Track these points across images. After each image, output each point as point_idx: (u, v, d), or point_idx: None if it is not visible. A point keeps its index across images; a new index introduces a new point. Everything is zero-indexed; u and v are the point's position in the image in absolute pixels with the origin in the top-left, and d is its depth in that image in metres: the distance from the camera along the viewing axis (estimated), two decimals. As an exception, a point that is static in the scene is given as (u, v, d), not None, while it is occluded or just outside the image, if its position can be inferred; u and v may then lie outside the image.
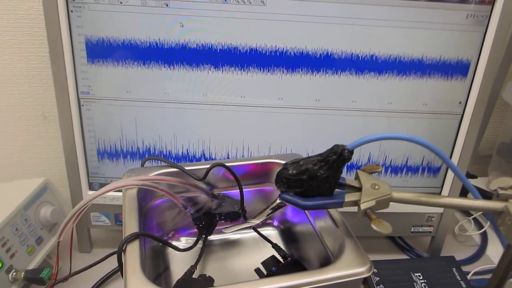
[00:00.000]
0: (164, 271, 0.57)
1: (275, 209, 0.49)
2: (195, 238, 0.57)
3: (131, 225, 0.46)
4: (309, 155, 0.45)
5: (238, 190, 0.55)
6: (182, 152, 0.68)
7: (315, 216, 0.54)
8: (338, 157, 0.43)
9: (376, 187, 0.45)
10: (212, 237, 0.63)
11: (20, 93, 0.86)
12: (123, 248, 0.43)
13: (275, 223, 0.66)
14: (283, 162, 0.47)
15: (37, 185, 0.66)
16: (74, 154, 0.67)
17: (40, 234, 0.65)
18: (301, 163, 0.44)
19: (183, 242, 0.62)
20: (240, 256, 0.61)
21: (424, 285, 0.67)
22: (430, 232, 0.76)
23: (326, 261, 0.50)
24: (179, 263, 0.58)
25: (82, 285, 0.67)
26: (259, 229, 0.61)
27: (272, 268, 0.53)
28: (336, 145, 0.43)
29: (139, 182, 0.50)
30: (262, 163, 0.59)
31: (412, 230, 0.75)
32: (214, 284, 0.52)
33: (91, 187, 0.70)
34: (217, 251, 0.62)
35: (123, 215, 0.48)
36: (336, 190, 0.46)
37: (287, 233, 0.64)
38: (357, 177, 0.47)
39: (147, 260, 0.47)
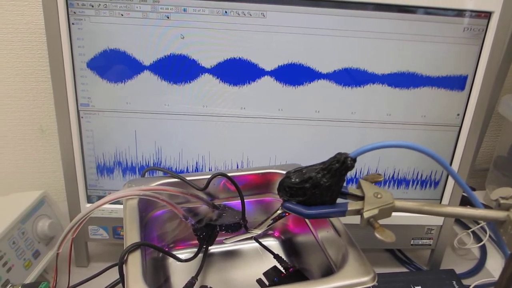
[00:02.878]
0: (164, 283, 0.56)
1: (276, 219, 0.49)
2: (196, 249, 0.57)
3: (132, 235, 0.46)
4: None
5: (239, 201, 0.55)
6: (182, 165, 0.68)
7: (317, 226, 0.54)
8: (341, 165, 0.43)
9: (379, 196, 0.45)
10: (213, 248, 0.62)
11: (17, 107, 0.86)
12: (125, 258, 0.43)
13: (276, 234, 0.66)
14: (284, 172, 0.47)
15: (35, 198, 0.65)
16: (72, 166, 0.66)
17: (37, 248, 0.65)
18: (304, 171, 0.44)
19: (183, 253, 0.61)
20: (241, 266, 0.60)
21: (424, 299, 0.67)
22: (430, 245, 0.75)
23: (328, 272, 0.49)
24: (179, 274, 0.57)
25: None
26: (260, 240, 0.61)
27: (274, 279, 0.53)
28: (339, 153, 0.44)
29: (140, 192, 0.50)
30: (263, 173, 0.59)
31: (412, 243, 0.75)
32: (215, 296, 0.52)
33: (89, 200, 0.70)
34: (218, 262, 0.61)
35: (124, 225, 0.48)
36: (339, 199, 0.46)
37: (289, 244, 0.63)
38: (359, 186, 0.47)
39: (147, 271, 0.46)
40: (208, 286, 0.53)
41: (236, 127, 0.66)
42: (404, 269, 0.79)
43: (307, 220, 0.57)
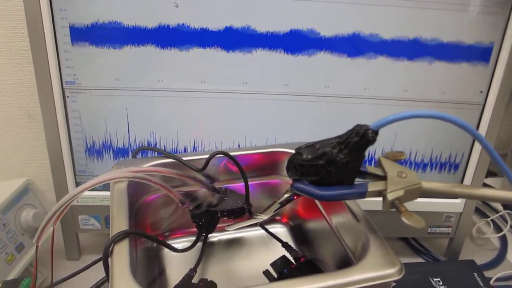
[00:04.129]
0: (159, 276, 0.50)
1: (284, 203, 0.43)
2: (194, 238, 0.51)
3: (119, 223, 0.40)
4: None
5: (242, 183, 0.49)
6: (179, 147, 0.62)
7: (331, 210, 0.48)
8: (361, 138, 0.37)
9: (403, 175, 0.39)
10: (213, 236, 0.57)
11: (2, 91, 0.79)
12: (110, 249, 0.37)
13: (284, 220, 0.60)
14: (292, 150, 0.41)
15: (17, 187, 0.60)
16: (59, 150, 0.61)
17: (21, 241, 0.59)
18: (317, 146, 0.38)
19: (180, 242, 0.55)
20: (245, 257, 0.55)
21: (444, 291, 0.61)
22: (448, 233, 0.70)
23: (345, 262, 0.43)
24: (176, 266, 0.52)
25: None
26: (266, 226, 0.55)
27: (283, 270, 0.47)
28: (358, 125, 0.37)
29: (130, 174, 0.44)
30: (268, 153, 0.53)
31: (429, 231, 0.69)
32: (217, 290, 0.46)
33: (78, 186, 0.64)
34: (220, 251, 0.55)
35: (110, 212, 0.42)
36: (356, 180, 0.40)
37: (298, 231, 0.58)
38: (379, 165, 0.41)
39: (139, 263, 0.41)
40: (209, 279, 0.47)
41: (238, 105, 0.60)
42: (420, 260, 0.73)
43: (319, 204, 0.51)
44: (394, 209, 0.38)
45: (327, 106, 0.61)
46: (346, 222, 0.44)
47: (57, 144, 0.60)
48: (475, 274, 0.65)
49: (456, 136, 0.64)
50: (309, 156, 0.38)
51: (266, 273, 0.48)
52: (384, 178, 0.39)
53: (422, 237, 0.77)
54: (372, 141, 0.37)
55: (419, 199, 0.40)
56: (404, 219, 0.36)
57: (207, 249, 0.54)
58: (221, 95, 0.59)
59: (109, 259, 0.37)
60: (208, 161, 0.49)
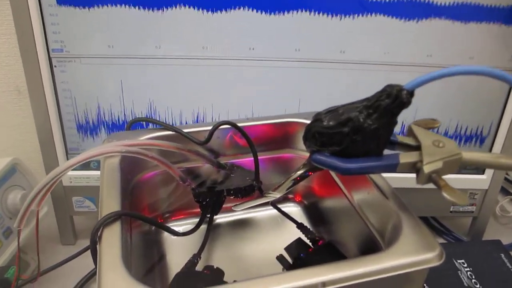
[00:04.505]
0: (158, 263, 0.45)
1: (298, 180, 0.38)
2: (198, 220, 0.46)
3: (110, 204, 0.35)
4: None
5: (250, 158, 0.43)
6: (179, 120, 0.57)
7: (352, 187, 0.42)
8: (393, 100, 0.31)
9: (440, 144, 0.33)
10: (219, 217, 0.51)
11: (-12, 65, 0.74)
12: (99, 234, 0.32)
13: (298, 198, 0.55)
14: (307, 121, 0.35)
15: (3, 166, 0.54)
16: (48, 126, 0.55)
17: (8, 225, 0.54)
18: (340, 111, 0.33)
19: (182, 224, 0.50)
20: (255, 240, 0.49)
21: (470, 274, 0.56)
22: (472, 212, 0.64)
23: (370, 246, 0.38)
24: (178, 252, 0.46)
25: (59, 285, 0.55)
26: (278, 206, 0.50)
27: (299, 255, 0.42)
28: (388, 85, 0.32)
29: (123, 148, 0.38)
30: (280, 123, 0.47)
31: (451, 210, 0.64)
32: (224, 278, 0.41)
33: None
34: (226, 235, 0.50)
35: (100, 191, 0.37)
36: (385, 150, 0.35)
37: (314, 210, 0.52)
38: (410, 133, 0.36)
39: (135, 250, 0.35)
40: (215, 266, 0.42)
41: (244, 73, 0.54)
42: (441, 240, 0.68)
43: (337, 179, 0.45)
44: (431, 184, 0.32)
45: (342, 73, 0.55)
46: (371, 199, 0.39)
47: (45, 119, 0.55)
48: (502, 255, 0.60)
49: (484, 106, 0.58)
50: (331, 123, 0.32)
51: (280, 258, 0.42)
52: (417, 148, 0.34)
53: (443, 216, 0.71)
54: (406, 103, 0.31)
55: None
56: (445, 195, 0.30)
57: (212, 232, 0.48)
58: (225, 63, 0.53)
59: (98, 245, 0.31)
60: (212, 132, 0.43)
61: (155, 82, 0.54)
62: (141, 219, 0.40)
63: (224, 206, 0.47)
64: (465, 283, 0.55)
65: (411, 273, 0.30)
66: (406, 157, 0.33)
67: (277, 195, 0.39)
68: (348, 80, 0.55)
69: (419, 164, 0.32)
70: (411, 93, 0.31)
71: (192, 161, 0.45)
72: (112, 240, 0.31)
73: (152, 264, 0.44)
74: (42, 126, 0.55)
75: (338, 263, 0.30)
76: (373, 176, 0.39)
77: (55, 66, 0.53)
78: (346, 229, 0.44)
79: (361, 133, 0.32)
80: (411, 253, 0.31)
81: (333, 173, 0.46)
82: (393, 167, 0.33)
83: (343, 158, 0.33)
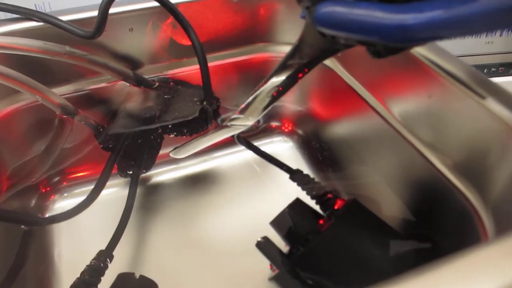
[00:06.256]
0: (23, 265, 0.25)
1: (280, 91, 0.19)
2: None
3: None
4: None
5: (196, 67, 0.24)
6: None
7: (389, 90, 0.23)
8: None
9: None
10: (152, 176, 0.31)
11: None
12: None
13: (287, 127, 0.34)
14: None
15: None
16: None
17: None
18: None
19: (84, 193, 0.29)
20: (217, 211, 0.28)
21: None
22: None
23: (442, 208, 0.20)
24: (72, 245, 0.27)
25: None
26: (253, 142, 0.29)
27: (302, 236, 0.20)
28: None
29: None
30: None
31: None
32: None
33: None
34: (167, 207, 0.29)
35: None
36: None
37: (317, 146, 0.31)
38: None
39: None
40: (137, 276, 0.22)
41: None
42: None
43: (355, 83, 0.25)
44: None
45: None
46: (439, 107, 0.20)
47: None
48: None
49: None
50: None
51: (264, 245, 0.20)
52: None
53: None
54: None
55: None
56: None
57: (141, 205, 0.29)
58: None
59: None
60: (105, 13, 0.22)
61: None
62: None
63: (160, 153, 0.27)
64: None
65: None
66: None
67: (246, 122, 0.20)
68: None
69: None
70: None
71: (92, 80, 0.25)
72: None
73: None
74: None
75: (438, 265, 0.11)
76: (438, 54, 0.20)
77: None
78: (384, 174, 0.25)
79: None
80: None
81: (346, 73, 0.26)
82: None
83: (381, 2, 0.14)
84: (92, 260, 0.21)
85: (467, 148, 0.19)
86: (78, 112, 0.23)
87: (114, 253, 0.23)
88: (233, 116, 0.21)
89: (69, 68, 0.23)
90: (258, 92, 0.20)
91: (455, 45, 0.36)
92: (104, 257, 0.21)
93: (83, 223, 0.26)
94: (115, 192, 0.29)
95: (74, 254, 0.26)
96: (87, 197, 0.23)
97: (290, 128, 0.33)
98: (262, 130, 0.32)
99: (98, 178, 0.23)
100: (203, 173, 0.31)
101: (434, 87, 0.19)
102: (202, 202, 0.29)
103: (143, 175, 0.29)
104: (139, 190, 0.28)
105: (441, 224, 0.19)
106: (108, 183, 0.26)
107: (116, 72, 0.23)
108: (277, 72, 0.19)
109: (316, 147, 0.30)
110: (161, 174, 0.30)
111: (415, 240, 0.20)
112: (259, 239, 0.19)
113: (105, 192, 0.25)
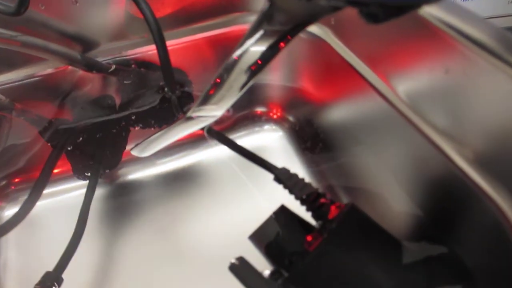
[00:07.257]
0: None
1: (260, 65, 0.15)
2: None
3: None
4: None
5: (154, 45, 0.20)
6: None
7: (393, 63, 0.18)
8: None
9: None
10: (111, 178, 0.26)
11: None
12: None
13: (275, 113, 0.29)
14: None
15: None
16: None
17: None
18: None
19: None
20: (185, 223, 0.24)
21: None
22: None
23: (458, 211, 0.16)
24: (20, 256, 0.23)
25: None
26: (234, 133, 0.25)
27: (287, 256, 0.16)
28: None
29: None
30: None
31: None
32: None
33: None
34: (127, 216, 0.24)
35: None
36: None
37: (310, 136, 0.27)
38: None
39: None
40: None
41: None
42: None
43: (352, 58, 0.21)
44: None
45: None
46: (454, 84, 0.16)
47: None
48: None
49: None
50: None
51: (239, 268, 0.15)
52: None
53: None
54: None
55: None
56: None
57: (96, 212, 0.24)
58: None
59: None
60: None
61: None
62: None
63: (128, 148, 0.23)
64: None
65: None
66: None
67: (215, 112, 0.16)
68: None
69: None
70: None
71: (37, 66, 0.21)
72: None
73: None
74: None
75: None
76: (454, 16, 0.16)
77: None
78: (390, 170, 0.20)
79: None
80: None
81: (341, 45, 0.21)
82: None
83: None
84: (36, 285, 0.17)
85: (494, 137, 0.14)
86: (15, 106, 0.19)
87: (70, 271, 0.19)
88: (203, 103, 0.17)
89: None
90: (226, 70, 0.16)
91: (481, 3, 0.30)
92: (51, 281, 0.18)
93: (38, 233, 0.23)
94: (80, 195, 0.25)
95: (24, 268, 0.22)
96: (20, 208, 0.19)
97: (278, 114, 0.28)
98: (244, 117, 0.27)
99: (34, 183, 0.19)
100: (181, 170, 0.26)
101: (453, 59, 0.14)
102: (180, 204, 0.24)
103: (114, 172, 0.25)
104: (108, 191, 0.24)
105: (462, 236, 0.15)
106: (72, 185, 0.22)
107: (59, 56, 0.19)
108: (254, 44, 0.15)
109: (310, 136, 0.25)
110: (133, 173, 0.26)
111: (427, 243, 0.16)
112: (233, 261, 0.15)
113: (66, 196, 0.22)
